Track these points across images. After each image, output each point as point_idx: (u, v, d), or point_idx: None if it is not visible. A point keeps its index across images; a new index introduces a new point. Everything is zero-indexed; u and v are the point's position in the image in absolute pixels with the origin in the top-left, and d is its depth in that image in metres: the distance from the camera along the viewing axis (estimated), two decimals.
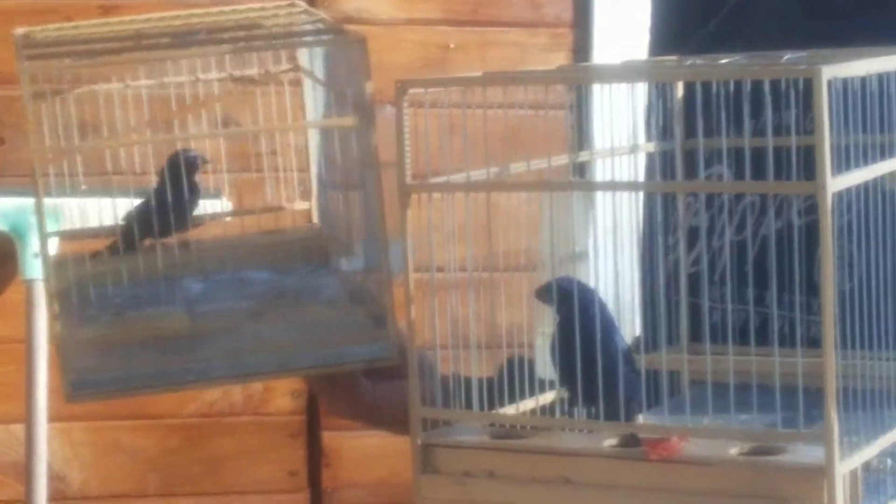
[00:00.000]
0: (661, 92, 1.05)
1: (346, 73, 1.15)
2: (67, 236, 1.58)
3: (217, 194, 1.66)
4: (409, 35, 2.65)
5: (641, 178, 1.35)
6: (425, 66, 2.60)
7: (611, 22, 2.66)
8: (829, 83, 0.72)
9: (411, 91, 0.84)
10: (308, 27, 1.23)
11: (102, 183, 1.37)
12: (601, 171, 1.08)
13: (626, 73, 1.05)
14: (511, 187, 0.93)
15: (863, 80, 0.83)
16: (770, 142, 0.85)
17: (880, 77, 0.86)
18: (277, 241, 1.38)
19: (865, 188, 0.86)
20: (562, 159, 1.04)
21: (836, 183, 0.70)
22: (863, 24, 1.19)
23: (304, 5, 1.35)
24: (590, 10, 2.64)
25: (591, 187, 0.94)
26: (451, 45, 2.68)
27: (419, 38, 2.65)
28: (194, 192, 1.31)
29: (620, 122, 1.03)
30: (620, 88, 1.05)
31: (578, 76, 1.08)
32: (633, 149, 1.09)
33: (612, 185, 0.95)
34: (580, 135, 1.37)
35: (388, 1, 2.75)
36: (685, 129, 1.07)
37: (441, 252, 1.26)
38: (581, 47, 2.65)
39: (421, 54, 2.63)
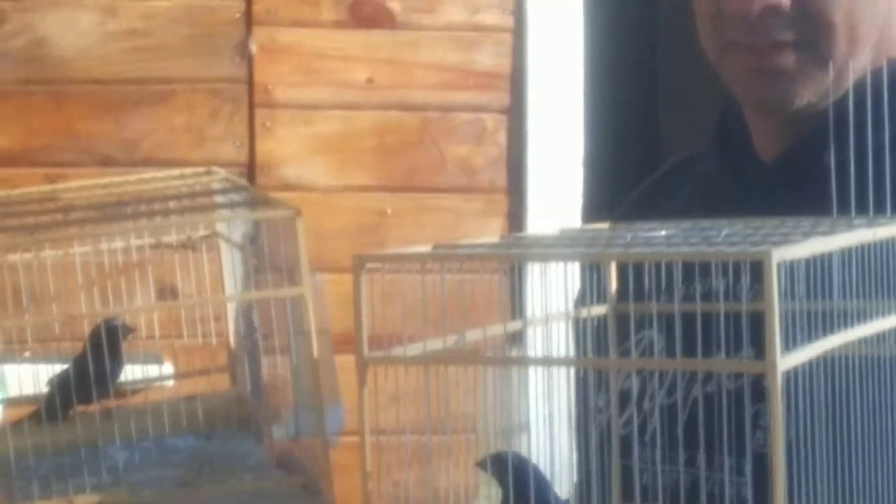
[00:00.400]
0: (594, 266, 1.02)
1: (274, 241, 1.16)
2: (13, 404, 1.58)
3: (158, 359, 1.70)
4: (346, 201, 2.62)
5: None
6: (360, 231, 2.59)
7: (544, 188, 2.66)
8: (778, 266, 0.71)
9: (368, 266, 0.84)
10: (235, 196, 1.24)
11: (45, 349, 1.39)
12: (536, 339, 1.11)
13: (570, 253, 1.06)
14: (464, 360, 0.89)
15: (807, 261, 0.81)
16: (699, 308, 0.92)
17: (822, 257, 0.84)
18: (197, 406, 1.34)
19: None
20: (505, 327, 1.06)
21: (785, 362, 0.69)
22: (784, 192, 1.20)
23: (223, 173, 1.38)
24: (524, 176, 2.63)
25: (525, 362, 0.90)
26: (388, 211, 2.64)
27: (355, 205, 2.62)
28: (116, 361, 1.30)
29: (554, 290, 1.05)
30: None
31: (527, 254, 1.10)
32: (566, 316, 1.06)
33: (546, 361, 0.94)
34: (516, 301, 1.43)
35: (325, 168, 2.72)
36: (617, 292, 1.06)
37: (386, 415, 1.26)
38: (515, 212, 2.64)
39: (357, 220, 2.61)
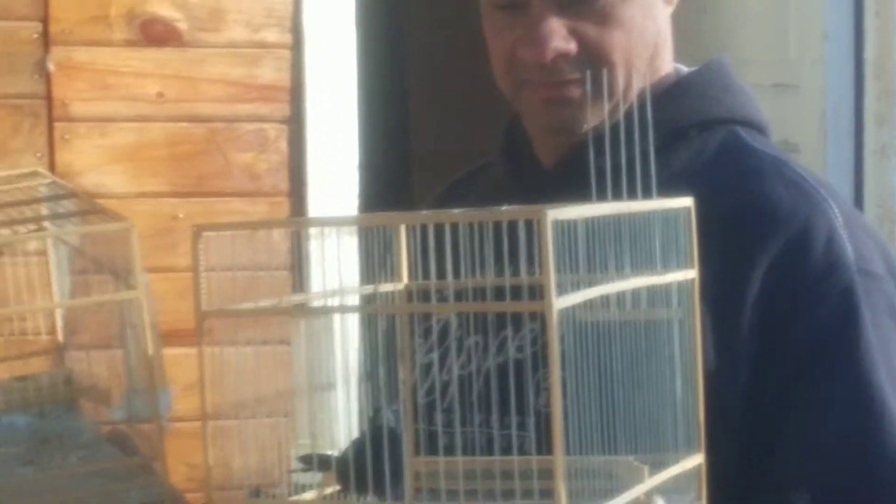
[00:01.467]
0: (382, 238, 1.11)
1: (105, 246, 1.27)
2: None
3: None
4: (141, 206, 2.68)
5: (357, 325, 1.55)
6: (156, 234, 2.67)
7: (323, 191, 2.81)
8: (553, 224, 0.82)
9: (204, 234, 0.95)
10: (68, 204, 1.32)
11: None
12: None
13: (359, 219, 1.18)
14: (291, 313, 1.07)
15: (574, 223, 0.92)
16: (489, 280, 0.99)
17: (588, 222, 0.96)
18: (29, 386, 1.42)
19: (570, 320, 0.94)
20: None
21: (560, 302, 0.79)
22: (562, 193, 1.19)
23: (50, 175, 1.50)
24: (304, 180, 2.77)
25: (332, 311, 1.07)
26: (180, 215, 2.72)
27: (150, 210, 2.71)
28: None
29: (334, 268, 1.11)
30: (333, 239, 1.10)
31: (329, 221, 1.14)
32: (353, 291, 1.17)
33: (346, 309, 1.11)
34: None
35: (121, 176, 2.77)
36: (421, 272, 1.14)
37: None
38: (297, 214, 2.77)
39: (152, 224, 2.67)
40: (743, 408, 1.34)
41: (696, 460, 1.07)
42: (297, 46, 2.78)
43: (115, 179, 2.73)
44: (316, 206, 2.80)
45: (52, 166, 2.58)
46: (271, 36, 2.75)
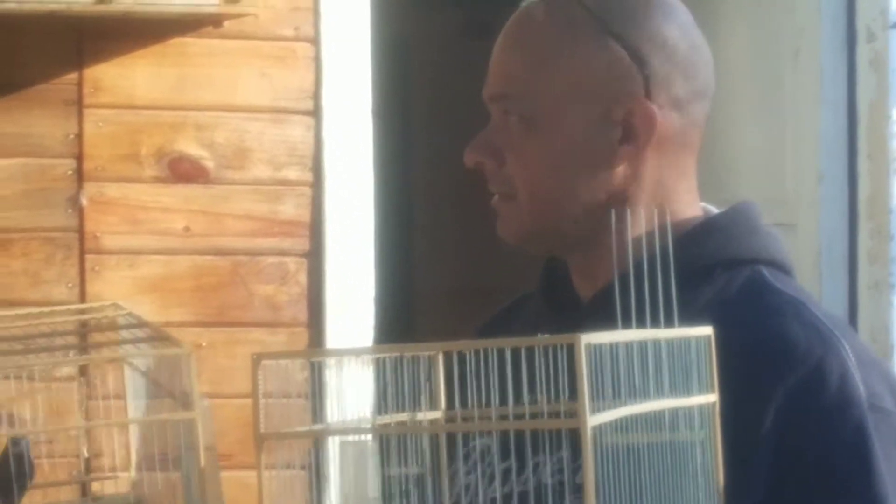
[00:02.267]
0: (412, 366, 1.03)
1: (169, 371, 1.30)
2: None
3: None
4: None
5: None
6: None
7: (341, 322, 2.82)
8: (586, 347, 0.83)
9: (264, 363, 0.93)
10: (137, 332, 1.33)
11: None
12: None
13: (401, 348, 1.19)
14: (343, 432, 1.00)
15: (611, 348, 0.92)
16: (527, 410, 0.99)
17: (614, 351, 0.95)
18: None
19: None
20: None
21: (594, 419, 0.80)
22: (599, 327, 1.08)
23: (126, 307, 1.54)
24: (322, 312, 2.77)
25: (389, 430, 0.99)
26: (203, 344, 2.70)
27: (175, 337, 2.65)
28: (25, 475, 1.41)
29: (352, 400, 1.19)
30: (352, 368, 1.09)
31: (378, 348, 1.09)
32: (389, 419, 1.12)
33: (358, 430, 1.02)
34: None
35: (149, 306, 2.73)
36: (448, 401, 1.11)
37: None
38: (315, 344, 2.77)
39: None
40: None
41: None
42: (317, 184, 2.81)
43: (143, 309, 2.28)
44: (333, 336, 2.80)
45: (82, 296, 2.64)
46: (293, 174, 2.79)
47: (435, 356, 1.08)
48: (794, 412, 1.26)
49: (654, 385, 1.04)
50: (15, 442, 1.45)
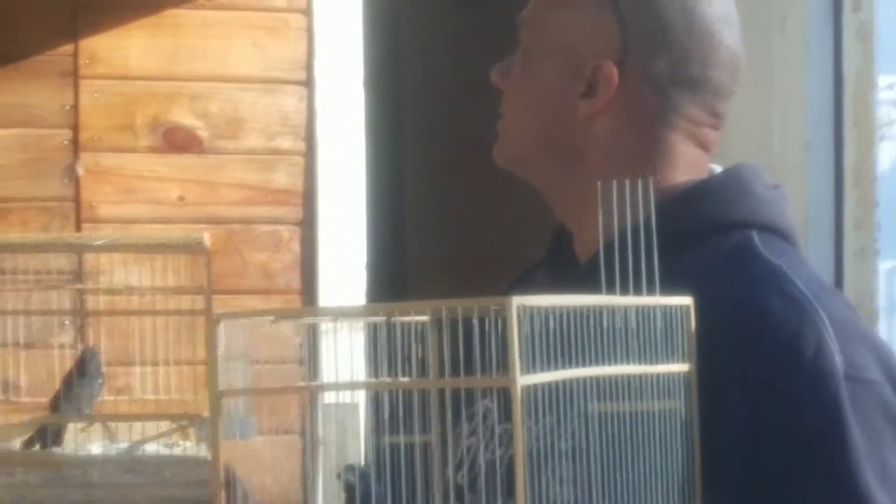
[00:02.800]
0: (394, 331, 1.06)
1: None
2: None
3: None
4: (160, 304, 2.55)
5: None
6: (176, 329, 2.64)
7: (333, 289, 2.83)
8: (519, 309, 0.86)
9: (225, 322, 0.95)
10: None
11: None
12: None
13: (374, 309, 1.10)
14: (309, 390, 1.06)
15: (545, 314, 0.95)
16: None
17: (561, 314, 0.99)
18: None
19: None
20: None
21: (526, 379, 0.82)
22: (592, 289, 1.19)
23: None
24: (315, 279, 2.81)
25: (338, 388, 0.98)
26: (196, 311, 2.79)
27: (171, 306, 2.56)
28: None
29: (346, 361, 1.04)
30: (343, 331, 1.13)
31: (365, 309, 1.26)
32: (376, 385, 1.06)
33: (341, 386, 1.01)
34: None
35: (143, 273, 2.56)
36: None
37: None
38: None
39: (173, 319, 2.55)
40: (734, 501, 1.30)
41: None
42: (310, 153, 2.82)
43: (138, 277, 2.61)
44: (327, 303, 2.80)
45: (79, 264, 2.64)
46: (286, 143, 2.81)
47: (389, 320, 1.09)
48: (768, 384, 1.29)
49: (619, 352, 1.07)
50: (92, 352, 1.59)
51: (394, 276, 5.29)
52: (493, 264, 3.73)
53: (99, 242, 1.83)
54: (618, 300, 1.10)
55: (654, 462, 1.11)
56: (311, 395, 1.28)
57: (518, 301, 0.88)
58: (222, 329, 0.95)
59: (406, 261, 5.60)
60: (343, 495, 1.28)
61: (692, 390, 1.14)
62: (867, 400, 1.28)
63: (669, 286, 1.14)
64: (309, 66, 2.79)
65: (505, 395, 1.02)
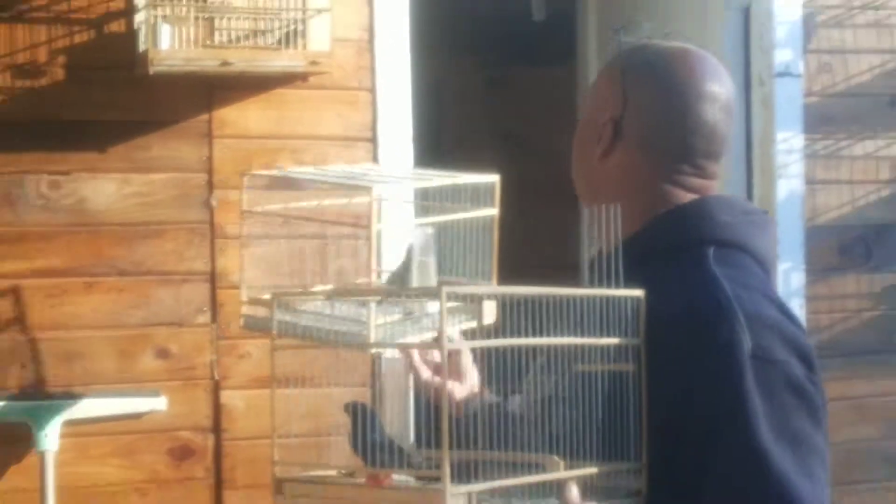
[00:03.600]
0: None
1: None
2: None
3: None
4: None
5: None
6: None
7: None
8: (447, 295, 1.03)
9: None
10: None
11: None
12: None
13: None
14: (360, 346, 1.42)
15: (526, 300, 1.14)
16: None
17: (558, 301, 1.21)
18: None
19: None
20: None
21: (453, 345, 1.06)
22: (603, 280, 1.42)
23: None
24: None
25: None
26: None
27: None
28: None
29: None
30: None
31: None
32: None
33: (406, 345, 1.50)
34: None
35: (258, 273, 2.30)
36: None
37: None
38: None
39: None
40: (671, 460, 1.43)
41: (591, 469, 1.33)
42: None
43: (252, 274, 2.37)
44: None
45: (212, 269, 3.07)
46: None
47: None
48: (692, 360, 1.43)
49: (567, 327, 1.30)
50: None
51: None
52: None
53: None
54: (592, 292, 1.34)
55: (614, 409, 1.34)
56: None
57: (448, 289, 1.15)
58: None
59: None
60: (349, 419, 1.46)
61: (641, 359, 1.35)
62: (773, 375, 1.41)
63: (646, 286, 1.38)
64: (374, 128, 3.15)
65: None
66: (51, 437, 2.88)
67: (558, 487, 1.30)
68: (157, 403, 3.05)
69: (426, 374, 1.68)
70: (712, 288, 1.45)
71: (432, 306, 1.65)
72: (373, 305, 1.51)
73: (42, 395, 2.96)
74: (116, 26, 2.95)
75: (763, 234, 1.58)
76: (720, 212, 1.54)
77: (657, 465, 1.39)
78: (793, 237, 3.46)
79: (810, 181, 3.48)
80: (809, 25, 3.46)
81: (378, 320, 1.52)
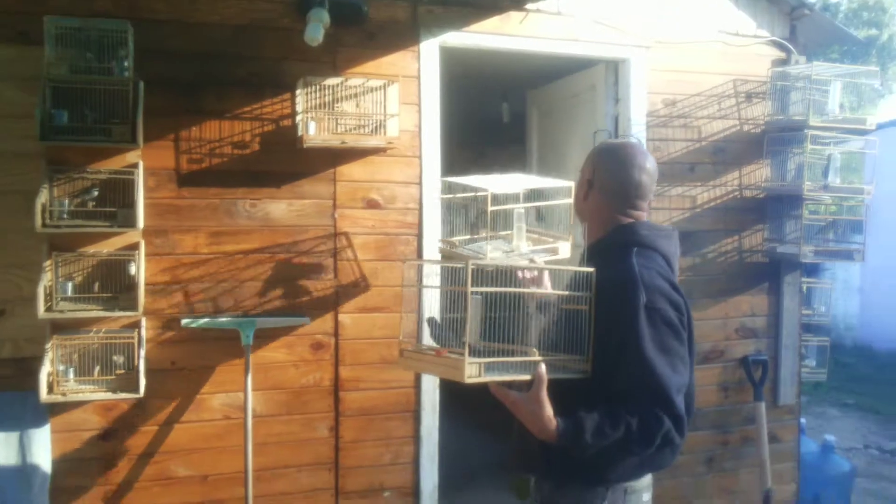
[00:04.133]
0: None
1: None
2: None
3: None
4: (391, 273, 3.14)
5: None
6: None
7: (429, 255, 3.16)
8: (472, 268, 1.02)
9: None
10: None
11: None
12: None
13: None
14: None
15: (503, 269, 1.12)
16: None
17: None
18: None
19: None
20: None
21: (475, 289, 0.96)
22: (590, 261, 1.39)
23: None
24: (421, 254, 3.15)
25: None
26: (378, 268, 3.22)
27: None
28: None
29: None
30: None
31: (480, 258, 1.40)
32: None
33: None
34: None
35: (361, 254, 3.16)
36: None
37: None
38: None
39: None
40: (606, 357, 1.50)
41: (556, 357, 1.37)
42: (420, 210, 3.22)
43: (358, 253, 3.21)
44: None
45: (335, 249, 3.14)
46: (412, 205, 3.21)
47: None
48: (612, 304, 1.50)
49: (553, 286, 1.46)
50: None
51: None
52: None
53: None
54: (559, 266, 1.44)
55: (576, 328, 1.43)
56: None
57: (472, 263, 1.16)
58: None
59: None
60: (429, 329, 1.52)
61: (591, 302, 1.47)
62: (655, 316, 1.49)
63: (599, 267, 1.47)
64: (420, 179, 3.24)
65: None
66: (249, 337, 2.97)
67: (534, 366, 1.38)
68: (304, 320, 3.16)
69: (527, 276, 1.71)
70: (629, 269, 1.54)
71: (524, 247, 1.72)
72: (486, 244, 1.64)
73: (245, 315, 3.07)
74: (287, 122, 3.06)
75: (668, 241, 1.64)
76: (642, 229, 1.63)
77: (596, 358, 1.48)
78: None
79: (651, 209, 3.25)
80: (648, 138, 3.37)
81: (492, 252, 1.64)
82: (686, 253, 3.44)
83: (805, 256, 3.33)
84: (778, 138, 3.45)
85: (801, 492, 3.70)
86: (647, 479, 1.55)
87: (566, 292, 1.43)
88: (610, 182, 1.63)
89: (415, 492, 3.13)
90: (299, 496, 3.03)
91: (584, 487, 1.47)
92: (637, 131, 3.33)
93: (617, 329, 1.47)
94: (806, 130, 3.24)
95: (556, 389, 1.37)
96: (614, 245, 1.60)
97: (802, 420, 3.99)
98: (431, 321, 1.52)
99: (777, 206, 3.49)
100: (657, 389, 1.42)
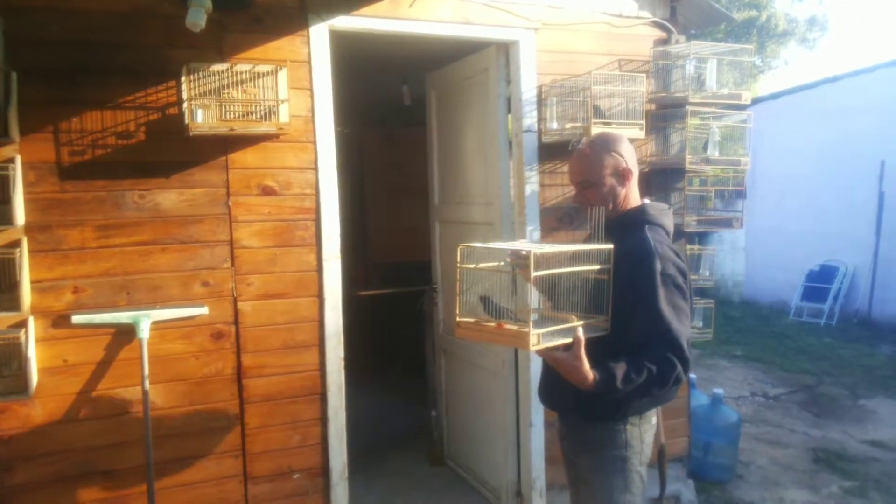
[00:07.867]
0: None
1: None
2: None
3: None
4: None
5: None
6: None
7: (328, 244, 3.11)
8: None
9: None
10: None
11: None
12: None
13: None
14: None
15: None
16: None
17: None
18: None
19: None
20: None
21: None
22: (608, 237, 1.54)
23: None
24: (321, 241, 3.12)
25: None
26: (277, 254, 3.06)
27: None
28: None
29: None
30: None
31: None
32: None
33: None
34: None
35: (256, 241, 3.06)
36: None
37: None
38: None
39: None
40: (622, 315, 1.66)
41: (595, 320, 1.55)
42: (317, 195, 3.07)
43: (254, 241, 3.09)
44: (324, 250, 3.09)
45: (230, 238, 2.95)
46: (308, 191, 3.05)
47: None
48: (634, 270, 1.66)
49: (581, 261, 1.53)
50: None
51: (356, 241, 5.95)
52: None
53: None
54: (589, 246, 1.54)
55: (599, 293, 1.59)
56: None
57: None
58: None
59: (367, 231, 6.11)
60: (481, 305, 1.65)
61: (610, 271, 1.60)
62: (668, 281, 1.66)
63: (617, 242, 1.60)
64: (315, 165, 3.06)
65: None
66: (145, 331, 2.85)
67: (573, 330, 1.57)
68: (203, 310, 2.99)
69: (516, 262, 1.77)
70: (645, 242, 1.71)
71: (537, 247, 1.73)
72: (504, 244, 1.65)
73: (139, 308, 2.92)
74: (173, 110, 2.85)
75: (667, 218, 1.83)
76: (650, 209, 1.81)
77: (615, 317, 1.65)
78: (534, 213, 3.38)
79: (542, 185, 3.41)
80: (540, 108, 3.38)
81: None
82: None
83: (689, 226, 3.34)
84: (661, 114, 3.42)
85: (693, 443, 3.75)
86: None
87: (596, 266, 1.58)
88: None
89: (324, 471, 3.05)
90: (208, 484, 2.92)
91: (608, 420, 1.73)
92: (528, 111, 3.28)
93: (634, 292, 1.66)
94: (687, 107, 3.21)
95: (586, 344, 1.56)
96: (630, 223, 1.77)
97: (693, 376, 4.08)
98: (485, 299, 1.63)
99: (661, 179, 3.46)
100: (671, 339, 1.63)
